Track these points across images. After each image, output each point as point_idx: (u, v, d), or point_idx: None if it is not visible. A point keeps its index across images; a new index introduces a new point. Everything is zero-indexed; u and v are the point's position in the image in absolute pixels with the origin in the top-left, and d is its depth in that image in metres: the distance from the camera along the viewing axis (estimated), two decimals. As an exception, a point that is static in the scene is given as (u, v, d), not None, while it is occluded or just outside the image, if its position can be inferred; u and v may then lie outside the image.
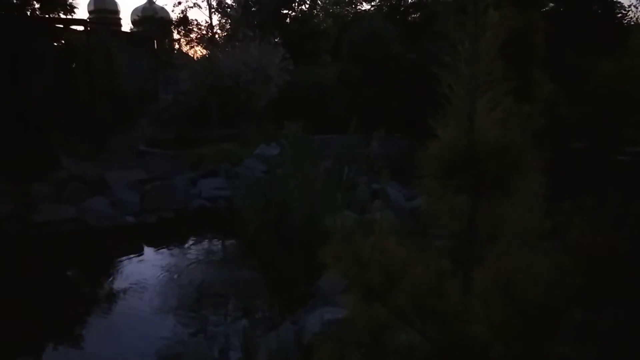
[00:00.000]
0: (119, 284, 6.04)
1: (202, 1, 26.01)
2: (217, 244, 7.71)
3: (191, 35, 26.62)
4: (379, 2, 18.40)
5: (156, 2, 30.36)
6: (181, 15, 26.62)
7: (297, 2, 23.97)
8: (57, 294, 5.97)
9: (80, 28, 17.57)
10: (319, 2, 24.09)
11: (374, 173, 7.62)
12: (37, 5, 22.22)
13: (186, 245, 7.50)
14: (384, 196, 4.94)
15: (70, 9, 24.10)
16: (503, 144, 1.59)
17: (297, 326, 3.40)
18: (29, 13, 20.21)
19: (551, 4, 14.37)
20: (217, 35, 25.40)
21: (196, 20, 27.47)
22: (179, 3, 28.24)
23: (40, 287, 6.08)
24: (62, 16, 20.80)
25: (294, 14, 23.94)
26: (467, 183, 1.61)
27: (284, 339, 3.04)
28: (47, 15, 20.00)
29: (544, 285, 1.38)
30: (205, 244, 7.62)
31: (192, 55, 26.82)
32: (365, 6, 19.19)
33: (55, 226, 7.49)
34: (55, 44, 20.35)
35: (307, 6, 24.48)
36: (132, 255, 7.05)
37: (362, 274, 1.80)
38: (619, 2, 17.86)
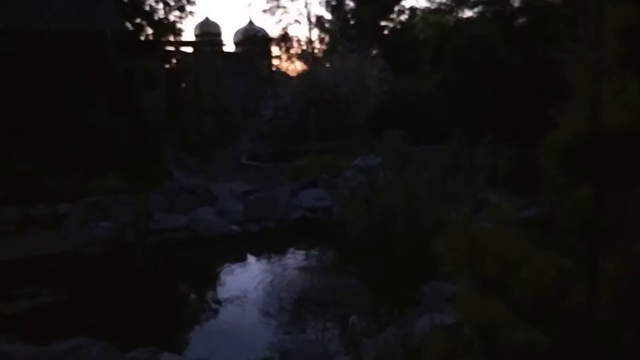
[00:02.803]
0: (225, 289, 6.42)
1: (302, 17, 26.84)
2: (317, 252, 7.90)
3: (291, 51, 27.61)
4: (482, 8, 17.93)
5: (257, 23, 31.93)
6: (282, 33, 27.72)
7: (396, 13, 24.10)
8: (170, 298, 6.46)
9: (189, 50, 18.96)
10: (418, 12, 24.00)
11: (480, 183, 7.40)
12: (150, 31, 24.36)
13: (288, 253, 7.79)
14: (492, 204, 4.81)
15: (179, 33, 26.10)
16: (632, 128, 1.54)
17: (403, 331, 3.42)
18: (143, 37, 22.16)
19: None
20: (316, 50, 26.13)
21: (296, 36, 28.39)
22: (280, 20, 29.48)
23: (154, 291, 6.61)
24: (172, 39, 22.55)
25: (392, 25, 24.08)
26: (591, 171, 1.57)
27: (390, 342, 3.07)
28: (159, 39, 21.80)
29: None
30: (306, 252, 7.85)
31: (292, 71, 27.85)
32: (468, 13, 18.80)
33: (168, 234, 8.10)
34: (166, 65, 22.11)
35: (405, 16, 24.51)
36: (237, 262, 7.46)
37: (478, 264, 1.81)
38: None
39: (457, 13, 19.27)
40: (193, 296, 6.68)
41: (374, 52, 16.68)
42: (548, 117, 1.72)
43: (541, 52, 9.36)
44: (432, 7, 20.75)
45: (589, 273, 1.60)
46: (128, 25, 18.71)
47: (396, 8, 24.11)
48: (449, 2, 19.06)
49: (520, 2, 15.74)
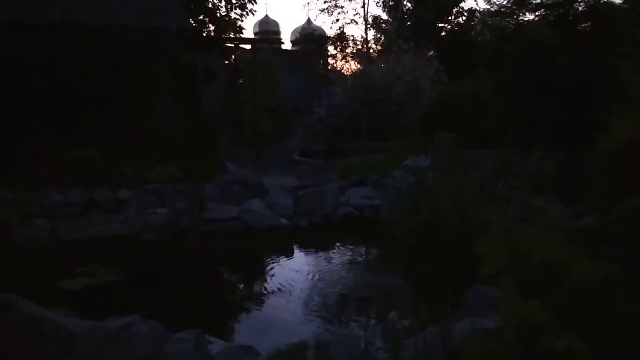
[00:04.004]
0: (271, 280, 6.52)
1: (359, 17, 26.82)
2: (363, 250, 7.90)
3: (347, 51, 27.63)
4: (543, 11, 17.30)
5: (314, 22, 32.11)
6: (338, 32, 27.77)
7: (454, 14, 23.65)
8: (219, 285, 6.63)
9: (248, 47, 19.31)
10: (477, 14, 23.47)
11: (532, 189, 7.18)
12: (212, 27, 24.93)
13: (334, 249, 7.83)
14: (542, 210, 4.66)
15: (239, 30, 26.62)
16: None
17: (443, 332, 3.38)
18: (205, 34, 22.72)
19: None
20: (371, 50, 26.03)
21: (352, 35, 28.39)
22: (337, 20, 29.56)
23: (204, 277, 6.80)
24: (233, 36, 22.98)
25: (449, 26, 23.65)
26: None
27: (429, 342, 3.05)
28: (220, 36, 22.28)
29: None
30: (351, 248, 7.86)
31: (346, 70, 27.87)
32: (529, 16, 18.20)
33: (220, 223, 8.32)
34: (226, 61, 22.58)
35: (464, 19, 24.03)
36: (284, 255, 7.56)
37: (519, 267, 1.78)
38: None
39: (518, 16, 18.68)
40: (240, 284, 6.83)
41: (430, 53, 16.45)
42: (603, 123, 1.66)
43: (602, 58, 8.97)
44: (492, 10, 20.22)
45: (636, 282, 1.55)
46: (191, 21, 19.22)
47: (454, 10, 23.66)
48: (509, 5, 18.50)
49: (584, 6, 15.10)
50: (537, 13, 17.27)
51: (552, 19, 15.50)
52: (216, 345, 3.84)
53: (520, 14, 18.61)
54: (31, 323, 3.72)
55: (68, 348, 3.68)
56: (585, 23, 14.96)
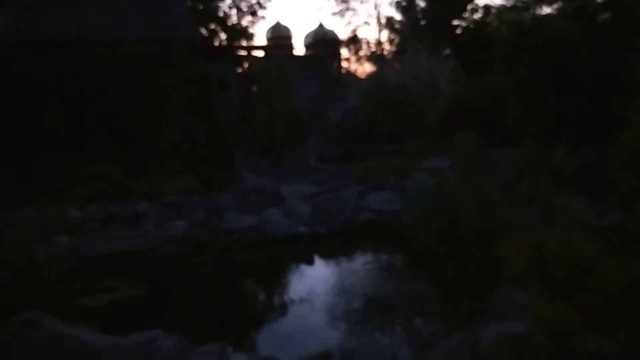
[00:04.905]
0: (292, 289, 6.56)
1: (372, 19, 26.88)
2: (385, 255, 7.87)
3: (360, 53, 27.68)
4: (561, 4, 17.14)
5: (327, 26, 32.25)
6: (351, 35, 27.85)
7: (469, 11, 23.53)
8: (240, 296, 6.66)
9: (260, 54, 19.49)
10: (493, 9, 23.31)
11: (556, 187, 7.11)
12: (223, 36, 25.22)
13: (355, 255, 7.82)
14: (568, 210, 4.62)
15: (251, 37, 26.83)
16: None
17: (471, 337, 3.37)
18: (217, 43, 22.97)
19: None
20: (385, 51, 26.03)
21: (366, 38, 28.44)
22: (349, 23, 29.66)
23: (225, 289, 6.85)
24: (245, 44, 23.24)
25: (465, 24, 23.54)
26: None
27: (457, 346, 3.05)
28: (232, 44, 22.52)
29: None
30: (373, 254, 7.85)
31: (360, 73, 27.91)
32: (546, 10, 18.04)
33: (238, 234, 8.38)
34: (239, 69, 22.81)
35: (479, 15, 23.88)
36: (305, 263, 7.59)
37: (545, 268, 1.79)
38: None
39: (535, 10, 18.53)
40: (262, 295, 6.87)
41: (446, 52, 16.40)
42: (624, 118, 1.68)
43: (623, 51, 8.86)
44: (508, 5, 20.08)
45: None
46: (203, 31, 19.48)
47: (469, 6, 23.54)
48: (525, -1, 18.38)
49: (603, -4, 14.92)
50: (554, 6, 17.12)
51: (570, 11, 15.36)
52: (240, 357, 3.88)
53: (537, 8, 18.45)
54: (56, 340, 3.81)
55: (93, 364, 3.76)
56: (605, 15, 14.78)
